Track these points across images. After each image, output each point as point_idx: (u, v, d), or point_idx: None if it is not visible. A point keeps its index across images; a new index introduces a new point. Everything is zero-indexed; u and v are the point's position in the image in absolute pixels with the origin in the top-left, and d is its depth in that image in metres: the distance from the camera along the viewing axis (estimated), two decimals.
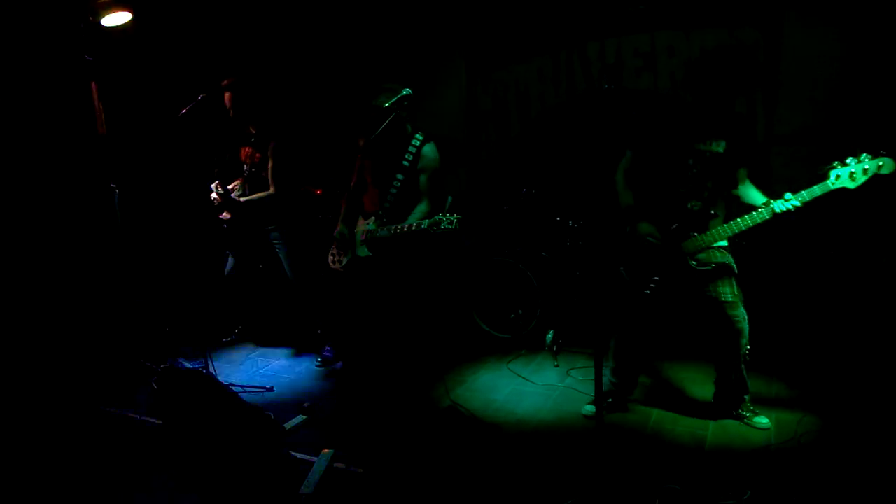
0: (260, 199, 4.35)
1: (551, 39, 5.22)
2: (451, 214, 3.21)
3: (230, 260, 4.72)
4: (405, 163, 3.59)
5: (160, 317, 4.86)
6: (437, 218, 3.24)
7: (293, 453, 3.17)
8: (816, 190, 2.83)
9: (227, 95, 4.31)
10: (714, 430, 3.30)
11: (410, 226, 3.38)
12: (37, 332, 4.50)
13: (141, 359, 4.36)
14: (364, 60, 5.87)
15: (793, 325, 4.28)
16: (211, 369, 3.95)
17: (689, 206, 3.13)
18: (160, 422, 3.49)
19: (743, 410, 3.33)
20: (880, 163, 2.74)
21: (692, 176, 3.11)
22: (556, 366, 4.31)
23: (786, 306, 4.35)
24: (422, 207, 3.57)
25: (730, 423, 3.36)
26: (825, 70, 4.32)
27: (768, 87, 4.50)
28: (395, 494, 2.86)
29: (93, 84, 4.02)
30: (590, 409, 3.51)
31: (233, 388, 3.75)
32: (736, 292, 3.17)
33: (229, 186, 4.47)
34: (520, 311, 4.72)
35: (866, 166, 2.74)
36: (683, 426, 3.35)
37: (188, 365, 4.27)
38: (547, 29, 5.21)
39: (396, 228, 3.46)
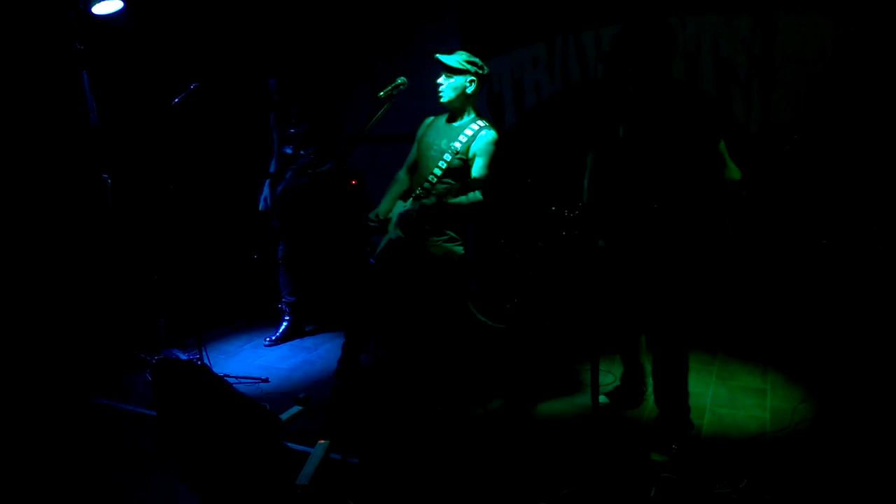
0: (327, 171, 4.44)
1: (546, 26, 5.18)
2: None
3: (282, 244, 4.71)
4: (455, 144, 3.44)
5: (154, 307, 4.84)
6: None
7: (289, 444, 3.16)
8: None
9: (274, 82, 4.41)
10: (709, 419, 3.31)
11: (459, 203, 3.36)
12: (26, 323, 4.47)
13: (134, 350, 4.34)
14: (358, 50, 5.83)
15: (787, 313, 4.29)
16: (205, 360, 3.94)
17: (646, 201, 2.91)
18: (154, 413, 3.48)
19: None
20: None
21: (642, 163, 2.90)
22: None
23: (780, 295, 4.36)
24: (474, 195, 3.42)
25: (725, 412, 3.37)
26: (820, 58, 4.30)
27: (764, 78, 4.48)
28: (392, 485, 2.86)
29: (84, 73, 3.98)
30: (603, 399, 3.50)
31: (227, 379, 3.74)
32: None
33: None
34: (515, 301, 4.72)
35: None
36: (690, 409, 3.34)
37: (182, 356, 4.26)
38: (542, 15, 5.18)
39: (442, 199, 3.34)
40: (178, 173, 4.66)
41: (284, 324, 4.80)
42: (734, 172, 2.86)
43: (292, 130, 4.49)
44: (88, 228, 4.74)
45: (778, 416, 3.29)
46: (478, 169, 3.43)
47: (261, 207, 4.73)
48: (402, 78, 3.41)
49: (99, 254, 4.70)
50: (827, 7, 4.23)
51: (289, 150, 4.53)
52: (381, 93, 3.37)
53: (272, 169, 4.69)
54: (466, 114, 3.52)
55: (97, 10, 3.84)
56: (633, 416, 3.41)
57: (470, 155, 3.45)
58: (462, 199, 3.39)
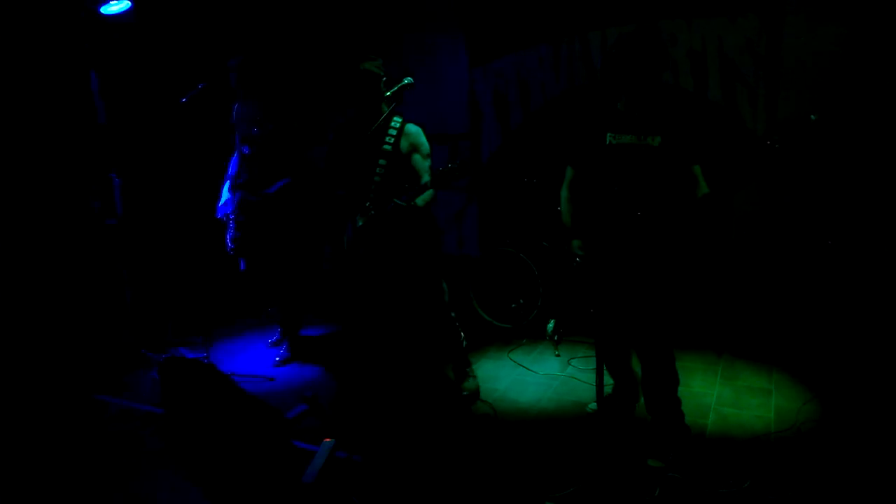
0: (284, 186, 4.24)
1: (552, 27, 5.19)
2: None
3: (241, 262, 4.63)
4: (386, 146, 3.36)
5: (161, 306, 4.87)
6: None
7: (295, 442, 3.18)
8: None
9: (234, 76, 4.15)
10: (714, 419, 3.31)
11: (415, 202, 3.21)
12: (35, 322, 4.50)
13: (142, 349, 4.37)
14: (359, 51, 5.83)
15: (793, 314, 4.29)
16: (212, 359, 3.97)
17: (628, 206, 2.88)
18: (162, 411, 3.50)
19: None
20: None
21: (622, 173, 2.89)
22: (558, 355, 4.32)
23: (786, 296, 4.36)
24: (427, 193, 3.29)
25: (729, 412, 3.38)
26: (827, 58, 4.29)
27: (770, 79, 4.48)
28: (396, 483, 2.87)
29: (92, 73, 4.01)
30: (593, 406, 3.50)
31: (234, 377, 3.76)
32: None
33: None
34: (521, 301, 4.73)
35: None
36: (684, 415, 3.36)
37: (189, 355, 4.28)
38: (548, 16, 5.18)
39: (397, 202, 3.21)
40: (185, 172, 4.69)
41: (280, 327, 4.81)
42: (703, 189, 2.88)
43: (255, 130, 4.19)
44: (96, 227, 4.77)
45: (783, 416, 3.29)
46: (420, 162, 3.37)
47: (218, 215, 4.38)
48: (409, 78, 3.41)
49: (107, 253, 4.73)
50: (834, 7, 4.23)
51: (246, 151, 4.24)
52: (388, 93, 3.38)
53: (232, 170, 4.37)
54: (381, 112, 3.42)
55: (105, 10, 3.87)
56: (636, 416, 3.40)
57: (405, 151, 3.38)
58: (418, 200, 3.26)
